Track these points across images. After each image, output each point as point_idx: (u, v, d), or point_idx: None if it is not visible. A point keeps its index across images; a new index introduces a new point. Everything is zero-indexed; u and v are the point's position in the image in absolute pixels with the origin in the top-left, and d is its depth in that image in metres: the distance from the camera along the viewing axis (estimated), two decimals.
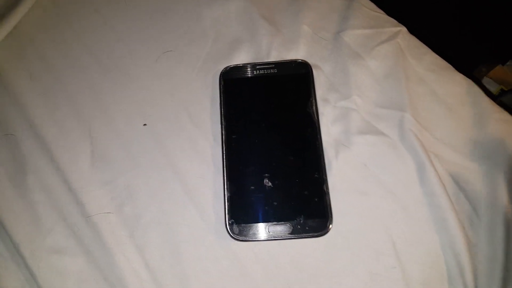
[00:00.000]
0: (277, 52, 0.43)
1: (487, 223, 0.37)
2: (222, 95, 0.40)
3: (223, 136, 0.38)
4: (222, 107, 0.40)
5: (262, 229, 0.35)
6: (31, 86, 0.43)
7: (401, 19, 0.46)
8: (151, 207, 0.38)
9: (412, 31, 0.45)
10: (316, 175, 0.37)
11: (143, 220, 0.38)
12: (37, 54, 0.45)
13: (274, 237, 0.35)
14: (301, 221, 0.35)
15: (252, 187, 0.37)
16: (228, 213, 0.36)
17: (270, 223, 0.35)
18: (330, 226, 0.35)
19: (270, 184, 0.37)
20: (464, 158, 0.39)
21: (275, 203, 0.36)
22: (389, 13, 0.46)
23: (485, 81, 0.68)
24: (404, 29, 0.45)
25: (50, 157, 0.40)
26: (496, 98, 0.64)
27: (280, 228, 0.35)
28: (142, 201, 0.38)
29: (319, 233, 0.35)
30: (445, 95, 0.41)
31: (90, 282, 0.36)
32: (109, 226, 0.37)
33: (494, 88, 0.66)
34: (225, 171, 0.37)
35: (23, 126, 0.41)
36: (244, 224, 0.36)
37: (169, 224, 0.37)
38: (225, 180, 0.37)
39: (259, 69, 0.41)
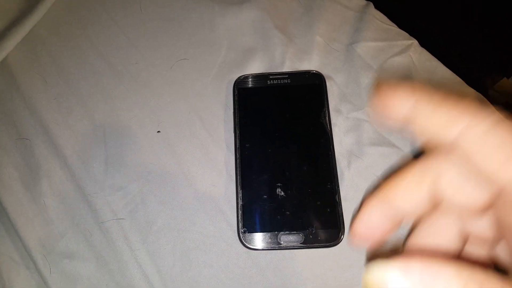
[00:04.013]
0: (291, 62, 0.44)
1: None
2: (236, 104, 0.41)
3: (237, 144, 0.39)
4: (236, 116, 0.40)
5: (274, 238, 0.36)
6: (45, 91, 0.43)
7: (410, 30, 0.47)
8: (163, 213, 0.38)
9: (421, 42, 0.46)
10: (328, 185, 0.37)
11: (155, 227, 0.38)
12: (51, 59, 0.45)
13: (286, 246, 0.35)
14: (313, 231, 0.35)
15: (265, 196, 0.37)
16: (240, 221, 0.36)
17: (282, 233, 0.36)
18: (342, 236, 0.35)
19: (282, 193, 0.37)
20: None
21: (287, 213, 0.36)
22: (400, 25, 0.47)
23: (490, 93, 0.69)
24: (415, 42, 0.45)
25: (64, 162, 0.40)
26: (502, 111, 0.65)
27: (292, 238, 0.35)
28: (154, 207, 0.39)
29: (331, 243, 0.35)
30: None
31: (101, 287, 0.36)
32: (122, 232, 0.37)
33: (499, 101, 0.67)
34: (238, 179, 0.38)
35: (37, 131, 0.41)
36: (256, 233, 0.36)
37: (180, 230, 0.38)
38: (238, 188, 0.37)
39: (273, 79, 0.41)
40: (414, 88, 0.15)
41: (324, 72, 0.42)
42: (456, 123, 0.14)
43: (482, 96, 0.43)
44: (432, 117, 0.15)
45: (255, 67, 0.44)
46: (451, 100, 0.14)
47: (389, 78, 0.43)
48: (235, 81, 0.42)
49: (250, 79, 0.42)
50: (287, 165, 0.38)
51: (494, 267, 0.16)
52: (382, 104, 0.16)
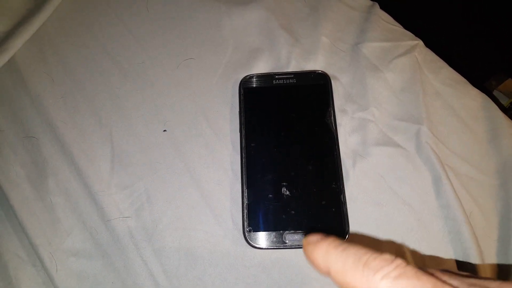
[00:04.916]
0: (296, 62, 0.44)
1: (501, 236, 0.37)
2: (241, 103, 0.41)
3: (242, 144, 0.39)
4: (241, 115, 0.40)
5: (279, 237, 0.36)
6: (52, 89, 0.44)
7: (415, 30, 0.47)
8: (168, 212, 0.38)
9: (426, 43, 0.46)
10: (333, 185, 0.37)
11: (160, 225, 0.38)
12: (58, 58, 0.45)
13: (290, 245, 0.35)
14: (318, 231, 0.35)
15: (270, 195, 0.37)
16: (246, 220, 0.36)
17: (287, 232, 0.36)
18: (347, 236, 0.35)
19: (288, 192, 0.37)
20: (479, 172, 0.40)
21: (292, 212, 0.36)
22: (406, 26, 0.47)
23: (495, 94, 0.69)
24: (420, 42, 0.45)
25: (71, 160, 0.40)
26: (507, 111, 0.65)
27: (297, 237, 0.36)
28: (160, 206, 0.39)
29: None
30: (461, 109, 0.42)
31: (107, 285, 0.36)
32: (128, 230, 0.37)
33: (504, 101, 0.67)
34: (243, 178, 0.38)
35: (44, 129, 0.42)
36: (262, 232, 0.36)
37: (186, 229, 0.38)
38: (244, 187, 0.37)
39: (279, 78, 0.42)
40: (328, 250, 0.19)
41: (329, 72, 0.42)
42: (365, 282, 0.17)
43: (486, 97, 0.43)
44: (344, 278, 0.18)
45: (261, 67, 0.44)
46: (361, 256, 0.18)
47: (394, 79, 0.43)
48: (241, 81, 0.42)
49: (255, 79, 0.42)
50: (292, 165, 0.38)
51: None
52: (309, 260, 0.21)
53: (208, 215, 0.38)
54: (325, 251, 0.20)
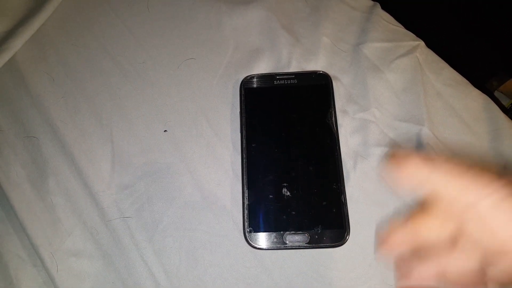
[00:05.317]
0: (297, 62, 0.44)
1: None
2: (242, 104, 0.41)
3: (243, 144, 0.39)
4: (242, 115, 0.40)
5: (279, 238, 0.36)
6: (53, 90, 0.44)
7: (416, 30, 0.47)
8: (169, 212, 0.38)
9: (427, 43, 0.46)
10: (334, 186, 0.37)
11: (161, 225, 0.38)
12: (59, 58, 0.45)
13: (291, 246, 0.35)
14: (319, 231, 0.36)
15: (271, 196, 0.37)
16: (246, 221, 0.36)
17: (287, 232, 0.36)
18: (348, 237, 0.35)
19: (288, 193, 0.37)
20: None
21: (293, 213, 0.36)
22: (407, 26, 0.47)
23: (496, 94, 0.69)
24: (422, 43, 0.45)
25: (71, 160, 0.40)
26: (508, 112, 0.64)
27: (298, 238, 0.36)
28: (161, 206, 0.39)
29: (336, 243, 0.35)
30: (462, 110, 0.42)
31: (108, 285, 0.36)
32: (128, 230, 0.37)
33: (505, 102, 0.67)
34: (244, 179, 0.38)
35: (44, 129, 0.42)
36: (262, 233, 0.36)
37: (186, 229, 0.38)
38: (244, 188, 0.37)
39: (279, 79, 0.42)
40: (426, 162, 0.19)
41: (330, 72, 0.42)
42: (472, 192, 0.16)
43: (487, 97, 0.43)
44: (445, 187, 0.18)
45: (262, 67, 0.44)
46: (466, 171, 0.17)
47: (395, 79, 0.43)
48: (242, 81, 0.42)
49: (256, 79, 0.42)
50: (293, 165, 0.38)
51: None
52: (399, 170, 0.20)
53: (208, 216, 0.38)
54: (421, 163, 0.19)
